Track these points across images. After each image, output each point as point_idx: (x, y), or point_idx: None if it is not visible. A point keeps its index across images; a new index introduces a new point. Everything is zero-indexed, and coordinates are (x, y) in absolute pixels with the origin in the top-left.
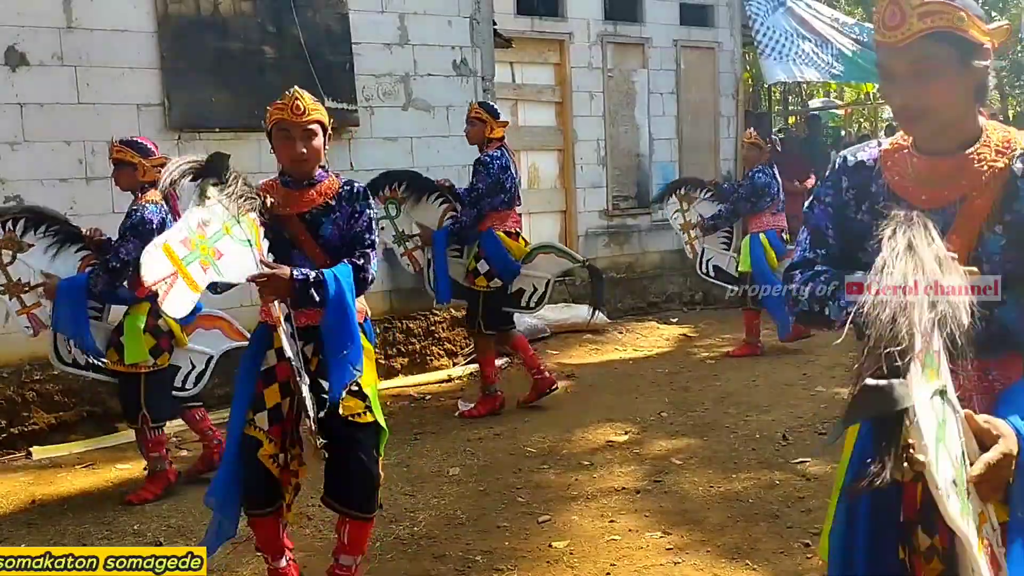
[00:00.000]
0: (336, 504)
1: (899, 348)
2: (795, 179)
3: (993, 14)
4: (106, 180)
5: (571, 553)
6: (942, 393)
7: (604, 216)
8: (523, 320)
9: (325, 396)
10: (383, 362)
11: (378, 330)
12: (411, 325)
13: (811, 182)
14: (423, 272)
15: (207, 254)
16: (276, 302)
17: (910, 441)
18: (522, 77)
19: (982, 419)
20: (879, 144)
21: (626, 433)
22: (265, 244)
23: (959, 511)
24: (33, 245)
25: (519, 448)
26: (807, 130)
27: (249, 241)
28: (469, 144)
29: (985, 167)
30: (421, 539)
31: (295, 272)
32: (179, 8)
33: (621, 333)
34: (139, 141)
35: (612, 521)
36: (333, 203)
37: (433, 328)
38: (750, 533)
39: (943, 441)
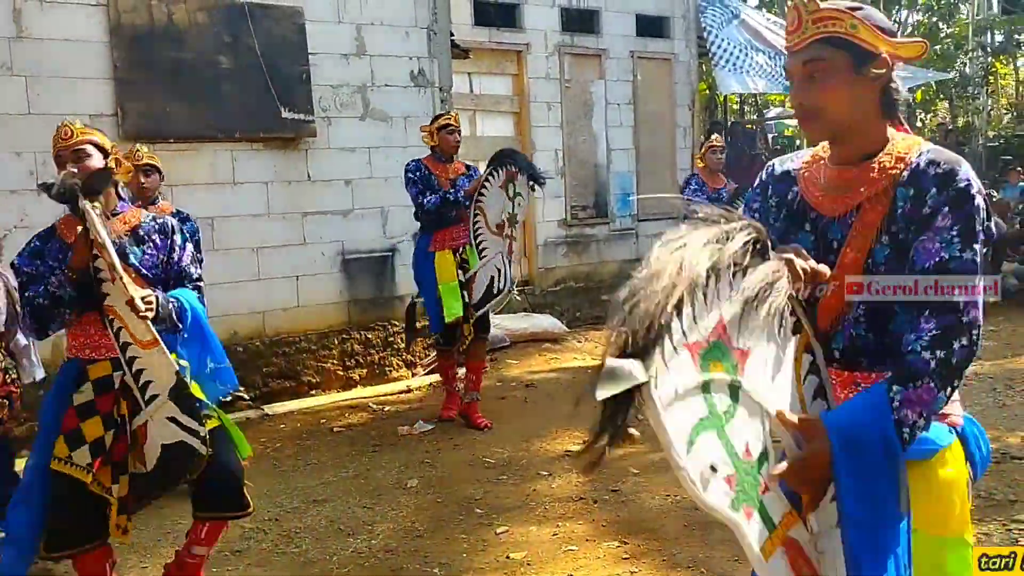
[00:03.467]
0: (209, 513)
1: (644, 331)
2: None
3: (941, 24)
4: None
5: (528, 564)
6: (733, 387)
7: (563, 226)
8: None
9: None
10: (341, 373)
11: (336, 341)
12: (369, 336)
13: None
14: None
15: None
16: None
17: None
18: (480, 87)
19: (798, 418)
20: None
21: (584, 443)
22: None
23: (720, 499)
24: None
25: (477, 459)
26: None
27: None
28: (454, 153)
29: (884, 176)
30: (379, 552)
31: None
32: (132, 18)
33: (580, 342)
34: None
35: (570, 531)
36: (142, 234)
37: (392, 339)
38: (705, 541)
39: (715, 429)
